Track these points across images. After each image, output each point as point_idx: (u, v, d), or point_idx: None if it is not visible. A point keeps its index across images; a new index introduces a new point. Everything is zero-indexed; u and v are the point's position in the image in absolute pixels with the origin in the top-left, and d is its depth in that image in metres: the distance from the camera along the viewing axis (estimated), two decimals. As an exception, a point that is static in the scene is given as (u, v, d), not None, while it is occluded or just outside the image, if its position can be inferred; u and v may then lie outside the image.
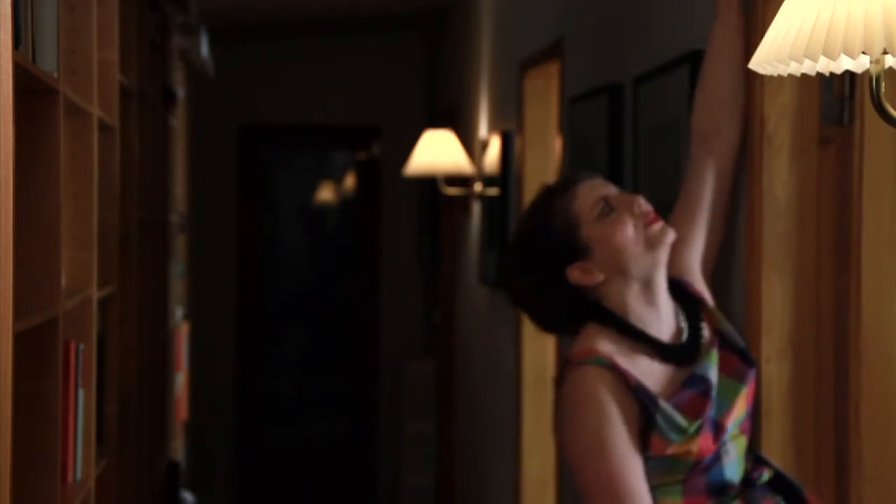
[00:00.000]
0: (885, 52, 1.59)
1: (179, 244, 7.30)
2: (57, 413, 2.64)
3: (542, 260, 2.72)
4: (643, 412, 2.57)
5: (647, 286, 2.68)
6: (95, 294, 3.17)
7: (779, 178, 2.89)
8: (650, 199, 3.74)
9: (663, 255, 2.69)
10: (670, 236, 2.70)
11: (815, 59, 1.63)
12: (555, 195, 2.74)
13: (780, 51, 1.66)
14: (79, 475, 2.91)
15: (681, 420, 2.58)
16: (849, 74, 2.35)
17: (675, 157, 3.47)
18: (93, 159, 3.13)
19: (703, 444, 2.58)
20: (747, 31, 2.98)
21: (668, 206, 3.54)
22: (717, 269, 3.26)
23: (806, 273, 2.86)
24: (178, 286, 7.11)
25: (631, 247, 2.66)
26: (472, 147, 7.16)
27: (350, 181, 10.45)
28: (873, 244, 2.59)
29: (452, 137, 6.95)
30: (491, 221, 6.44)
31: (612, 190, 2.73)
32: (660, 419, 2.56)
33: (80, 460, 2.92)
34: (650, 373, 2.63)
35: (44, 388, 2.61)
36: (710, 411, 2.60)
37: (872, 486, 2.61)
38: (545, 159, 5.55)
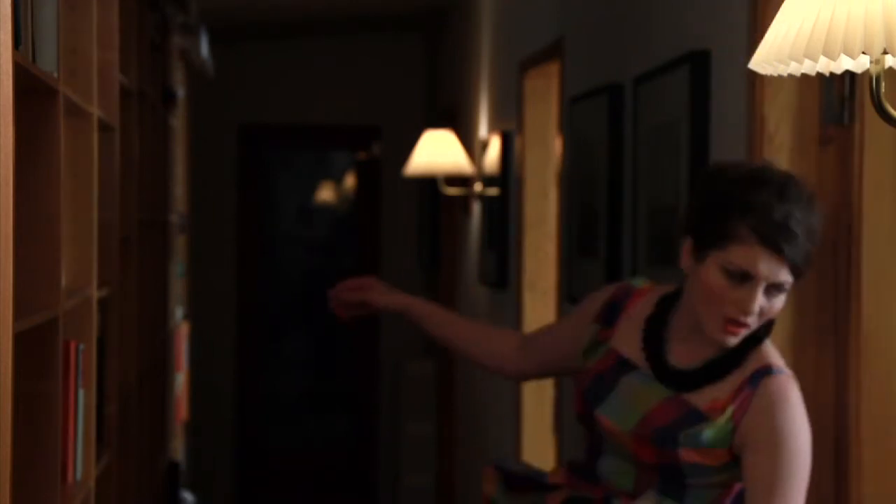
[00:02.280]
0: (885, 52, 1.59)
1: (179, 244, 7.30)
2: (57, 413, 2.64)
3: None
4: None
5: (695, 316, 2.58)
6: (95, 294, 3.17)
7: (779, 178, 2.88)
8: (650, 199, 3.75)
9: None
10: (720, 341, 2.54)
11: (815, 59, 1.63)
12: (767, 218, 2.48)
13: (780, 51, 1.66)
14: (79, 475, 2.91)
15: (584, 343, 2.77)
16: (849, 74, 2.34)
17: (675, 157, 3.47)
18: (93, 159, 3.13)
19: (575, 392, 2.75)
20: (750, 31, 2.98)
21: (669, 208, 3.54)
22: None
23: (806, 273, 2.86)
24: (178, 286, 7.11)
25: (702, 309, 2.55)
26: (472, 147, 7.16)
27: (350, 181, 10.45)
28: (873, 244, 2.59)
29: (452, 137, 6.95)
30: (491, 221, 6.44)
31: (765, 274, 2.47)
32: (588, 329, 2.80)
33: (80, 460, 2.92)
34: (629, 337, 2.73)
35: (44, 388, 2.61)
36: (592, 384, 2.70)
37: (872, 486, 2.61)
38: (545, 159, 5.55)
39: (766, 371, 2.53)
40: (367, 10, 9.09)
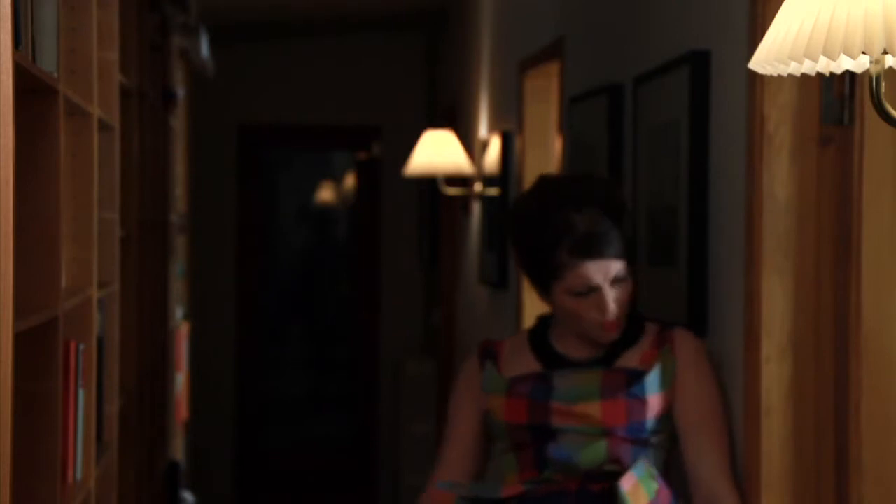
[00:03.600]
0: (885, 52, 1.59)
1: (179, 244, 7.30)
2: (57, 413, 2.64)
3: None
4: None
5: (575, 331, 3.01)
6: (95, 294, 3.17)
7: (779, 178, 2.89)
8: (651, 199, 3.75)
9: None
10: (604, 339, 2.95)
11: (815, 59, 1.63)
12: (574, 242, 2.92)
13: (780, 51, 1.66)
14: (79, 475, 2.91)
15: (493, 369, 3.00)
16: (849, 74, 2.35)
17: (675, 158, 3.47)
18: (93, 159, 3.13)
19: (510, 403, 2.93)
20: (750, 31, 2.98)
21: (669, 208, 3.54)
22: (717, 269, 3.26)
23: (806, 273, 2.86)
24: (178, 286, 7.11)
25: (583, 324, 2.95)
26: (472, 147, 7.16)
27: (350, 181, 10.45)
28: (873, 244, 2.59)
29: (452, 137, 6.95)
30: (491, 221, 6.44)
31: (603, 279, 2.91)
32: (485, 375, 3.03)
33: (80, 460, 2.92)
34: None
35: (44, 388, 2.61)
36: (533, 388, 2.91)
37: (872, 486, 2.61)
38: (545, 159, 5.55)
39: (671, 323, 3.04)
40: (367, 10, 9.09)
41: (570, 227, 2.87)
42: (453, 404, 3.11)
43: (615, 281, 2.90)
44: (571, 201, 2.90)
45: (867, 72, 1.67)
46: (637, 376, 2.90)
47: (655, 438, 2.92)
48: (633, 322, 3.01)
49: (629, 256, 2.93)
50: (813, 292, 2.83)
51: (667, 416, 2.92)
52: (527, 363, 2.99)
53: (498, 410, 2.95)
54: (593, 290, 2.89)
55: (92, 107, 3.13)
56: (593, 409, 2.87)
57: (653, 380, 2.91)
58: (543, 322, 3.08)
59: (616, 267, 2.90)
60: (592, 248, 2.88)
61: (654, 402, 2.90)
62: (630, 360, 2.96)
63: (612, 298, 2.90)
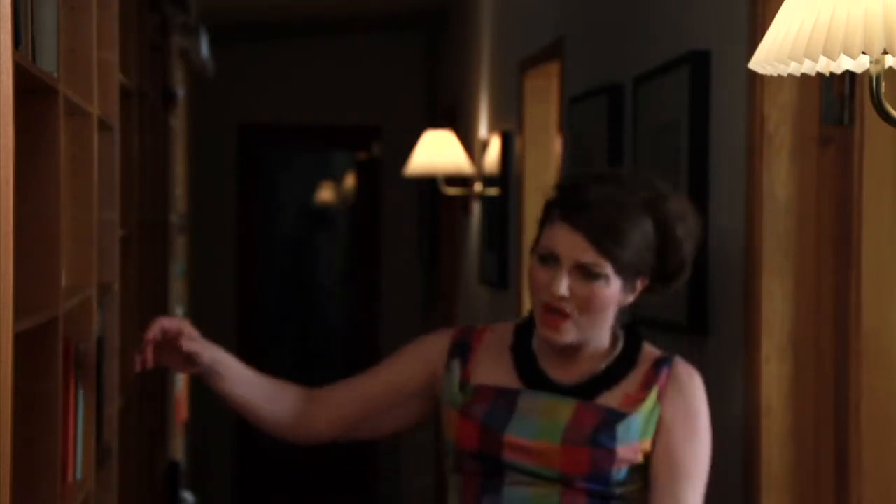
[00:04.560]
0: (885, 52, 1.59)
1: (179, 244, 7.30)
2: (57, 413, 2.64)
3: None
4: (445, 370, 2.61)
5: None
6: (95, 294, 3.17)
7: (779, 178, 2.89)
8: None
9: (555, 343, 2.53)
10: (545, 335, 2.51)
11: (815, 59, 1.63)
12: (561, 197, 2.54)
13: (780, 51, 1.66)
14: (79, 475, 2.91)
15: (455, 375, 2.57)
16: (849, 74, 2.35)
17: (675, 157, 3.47)
18: (93, 159, 3.13)
19: (462, 426, 2.52)
20: (750, 31, 2.98)
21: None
22: (717, 269, 3.26)
23: (806, 273, 2.86)
24: (178, 286, 7.11)
25: (533, 300, 2.55)
26: (472, 147, 7.16)
27: (350, 181, 10.45)
28: (873, 244, 2.59)
29: (452, 137, 6.95)
30: (491, 221, 6.44)
31: (566, 251, 2.47)
32: (445, 376, 2.60)
33: (80, 460, 2.92)
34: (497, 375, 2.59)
35: (44, 388, 2.61)
36: (490, 411, 2.51)
37: (872, 486, 2.61)
38: (545, 159, 5.55)
39: (669, 357, 2.56)
40: (367, 10, 9.09)
41: (576, 187, 2.50)
42: (404, 352, 2.67)
43: (585, 272, 2.45)
44: (602, 174, 2.58)
45: (867, 72, 1.67)
46: (612, 420, 2.48)
47: (622, 490, 2.50)
48: (628, 350, 2.57)
49: (613, 259, 2.46)
50: (813, 292, 2.83)
51: (641, 465, 2.51)
52: (503, 373, 2.57)
53: (450, 427, 2.55)
54: (553, 261, 2.47)
55: (92, 107, 3.13)
56: (552, 451, 2.47)
57: (629, 428, 2.48)
58: (525, 328, 2.64)
59: (589, 254, 2.45)
60: (571, 212, 2.47)
61: (625, 452, 2.47)
62: (615, 396, 2.52)
63: (565, 280, 2.45)
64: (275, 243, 10.38)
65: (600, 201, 2.46)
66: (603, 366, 2.54)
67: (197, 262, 9.08)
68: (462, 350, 2.60)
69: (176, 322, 2.62)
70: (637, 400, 2.50)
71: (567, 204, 2.48)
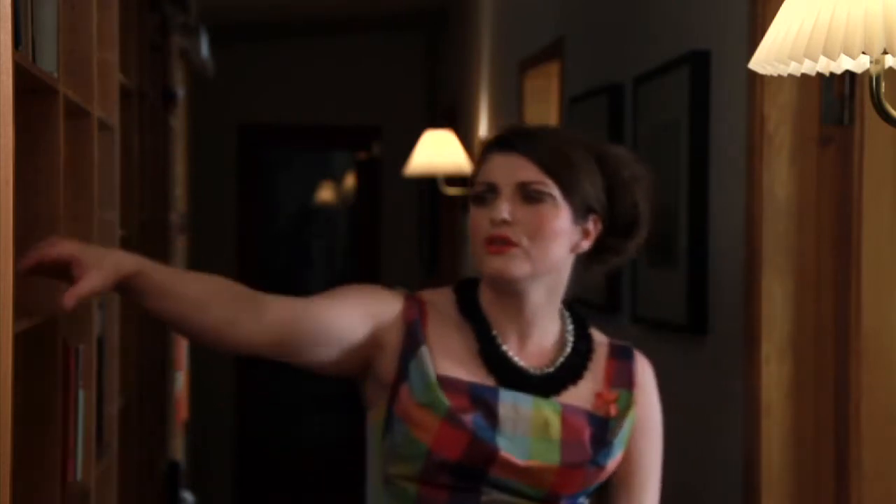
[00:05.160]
0: (885, 52, 1.59)
1: (179, 244, 7.29)
2: (57, 413, 2.64)
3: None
4: (402, 353, 2.24)
5: (499, 292, 2.27)
6: (95, 294, 3.17)
7: (779, 178, 2.89)
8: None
9: (497, 285, 2.25)
10: (492, 270, 2.23)
11: (815, 59, 1.63)
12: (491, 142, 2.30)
13: (780, 51, 1.66)
14: (79, 475, 2.91)
15: (430, 371, 2.20)
16: (849, 74, 2.35)
17: (675, 157, 3.47)
18: (93, 159, 3.13)
19: (445, 433, 2.18)
20: (750, 31, 2.98)
21: (669, 208, 3.54)
22: (717, 269, 3.26)
23: (806, 273, 2.86)
24: (178, 286, 7.09)
25: (476, 248, 2.27)
26: (472, 147, 7.16)
27: (350, 181, 10.45)
28: (873, 244, 2.59)
29: (452, 137, 6.95)
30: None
31: (505, 176, 2.23)
32: (413, 365, 2.22)
33: (80, 460, 2.92)
34: (457, 359, 2.25)
35: (44, 388, 2.61)
36: (477, 419, 2.19)
37: (872, 486, 2.61)
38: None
39: (627, 348, 2.33)
40: (367, 10, 9.09)
41: (511, 125, 2.31)
42: (352, 300, 2.27)
43: (528, 194, 2.20)
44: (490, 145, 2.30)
45: (867, 72, 1.67)
46: (604, 432, 2.24)
47: (588, 499, 2.31)
48: (579, 330, 2.32)
49: (555, 174, 2.21)
50: (813, 292, 2.83)
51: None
52: (464, 360, 2.24)
53: (424, 430, 2.19)
54: (491, 193, 2.22)
55: (92, 107, 3.13)
56: (549, 471, 2.20)
57: (621, 440, 2.27)
58: (471, 286, 2.33)
59: (529, 171, 2.20)
60: (508, 137, 2.24)
61: (612, 466, 2.27)
62: (586, 393, 2.26)
63: (507, 207, 2.20)
64: (275, 243, 10.38)
65: (541, 131, 2.27)
66: (567, 349, 2.27)
67: (197, 262, 9.08)
68: (419, 333, 2.25)
69: (60, 250, 2.16)
70: (609, 401, 2.26)
71: (503, 138, 2.25)
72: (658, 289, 3.65)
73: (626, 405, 2.28)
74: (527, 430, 2.21)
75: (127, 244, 4.24)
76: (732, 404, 3.08)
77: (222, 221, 9.80)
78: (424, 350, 2.23)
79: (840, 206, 2.67)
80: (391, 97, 9.80)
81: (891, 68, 1.71)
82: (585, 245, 2.27)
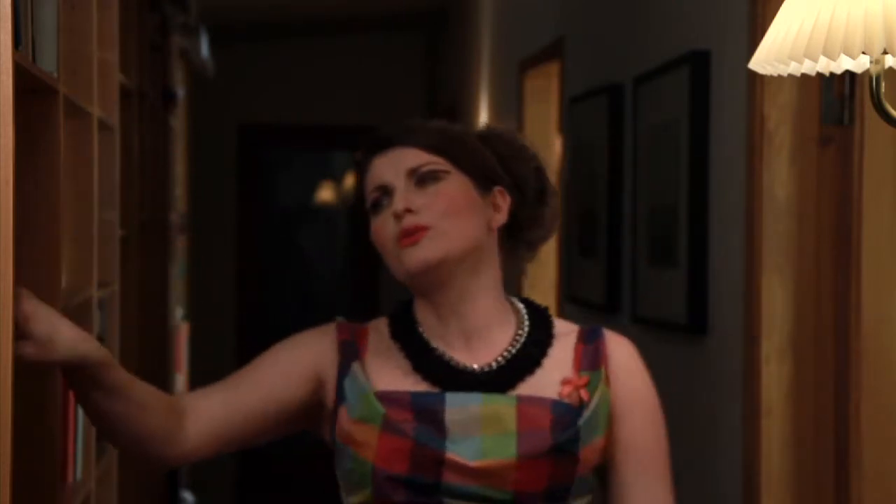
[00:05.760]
0: (885, 52, 1.60)
1: (179, 244, 7.30)
2: (57, 413, 2.64)
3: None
4: (338, 376, 2.14)
5: (428, 293, 2.15)
6: (95, 294, 3.17)
7: (779, 178, 2.89)
8: (650, 199, 3.74)
9: (424, 280, 2.12)
10: (413, 263, 2.10)
11: (815, 59, 1.63)
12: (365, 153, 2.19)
13: (780, 51, 1.66)
14: (79, 475, 2.91)
15: (364, 383, 2.10)
16: (849, 74, 2.35)
17: (675, 157, 3.47)
18: (93, 159, 3.13)
19: (385, 444, 2.06)
20: (750, 31, 2.98)
21: (669, 208, 3.54)
22: (717, 269, 3.26)
23: (806, 273, 2.86)
24: (178, 286, 7.11)
25: (389, 257, 2.16)
26: (472, 147, 7.15)
27: (350, 181, 10.44)
28: (873, 244, 2.59)
29: (452, 137, 6.94)
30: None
31: (391, 174, 2.12)
32: (347, 383, 2.12)
33: (80, 460, 2.92)
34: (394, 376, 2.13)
35: (44, 388, 2.61)
36: (420, 427, 2.06)
37: (872, 486, 2.61)
38: (545, 159, 5.54)
39: (597, 329, 2.16)
40: (367, 10, 9.09)
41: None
42: (279, 355, 2.19)
43: (421, 177, 2.10)
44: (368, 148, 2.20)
45: (867, 72, 1.67)
46: (568, 417, 2.06)
47: (578, 502, 2.10)
48: (535, 322, 2.16)
49: (442, 150, 2.11)
50: (813, 292, 2.83)
51: (596, 467, 2.12)
52: (402, 373, 2.12)
53: (365, 447, 2.07)
54: (386, 196, 2.12)
55: (92, 107, 3.13)
56: (506, 468, 2.03)
57: (590, 423, 2.08)
58: (404, 308, 2.22)
59: (414, 156, 2.10)
60: (378, 140, 2.14)
61: (588, 455, 2.07)
62: (548, 382, 2.09)
63: (404, 198, 2.09)
64: (275, 243, 10.38)
65: (412, 123, 2.17)
66: (520, 341, 2.12)
67: (197, 262, 9.08)
68: (352, 353, 2.15)
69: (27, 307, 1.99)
70: (579, 386, 2.09)
71: (376, 139, 2.15)
72: (658, 288, 3.65)
73: (596, 386, 2.09)
74: (478, 430, 2.05)
75: (127, 244, 4.24)
76: (732, 404, 3.08)
77: (222, 221, 9.80)
78: (356, 365, 2.13)
79: (840, 206, 2.67)
80: (391, 97, 9.81)
81: (891, 68, 1.71)
82: (500, 218, 2.15)
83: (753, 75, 2.84)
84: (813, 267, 2.84)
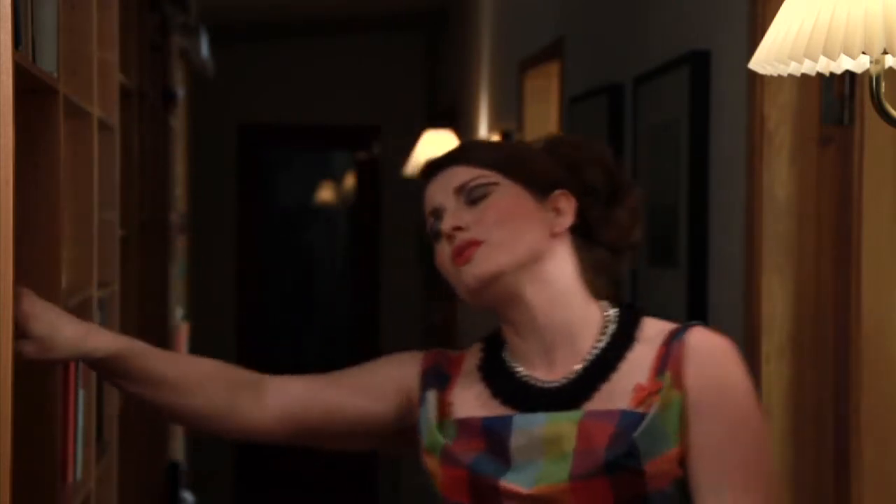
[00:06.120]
0: (885, 52, 1.60)
1: (179, 244, 7.30)
2: (57, 413, 2.64)
3: None
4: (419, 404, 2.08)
5: (503, 313, 2.08)
6: (95, 294, 3.17)
7: (779, 178, 2.89)
8: (651, 199, 3.74)
9: (488, 297, 2.05)
10: (470, 280, 2.01)
11: (815, 59, 1.63)
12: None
13: (780, 51, 1.66)
14: (79, 475, 2.91)
15: (431, 413, 2.04)
16: (849, 74, 2.35)
17: (675, 157, 3.47)
18: (93, 159, 3.13)
19: (446, 475, 2.01)
20: (750, 31, 2.98)
21: (669, 208, 3.54)
22: (717, 269, 3.26)
23: (806, 273, 2.86)
24: (178, 286, 7.11)
25: (452, 280, 2.06)
26: (472, 147, 7.15)
27: (350, 181, 10.45)
28: (873, 244, 2.59)
29: (452, 137, 6.95)
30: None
31: (442, 194, 2.07)
32: (421, 413, 2.07)
33: (80, 460, 2.92)
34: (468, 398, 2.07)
35: (44, 388, 2.61)
36: (480, 456, 1.99)
37: (872, 486, 2.61)
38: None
39: (685, 325, 2.02)
40: (367, 10, 9.09)
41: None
42: (373, 370, 2.18)
43: (470, 193, 2.02)
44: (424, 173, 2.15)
45: (867, 72, 1.67)
46: (628, 427, 1.92)
47: None
48: (621, 326, 2.04)
49: (491, 164, 2.04)
50: (813, 292, 2.83)
51: (676, 480, 1.93)
52: (483, 398, 2.04)
53: (434, 474, 2.03)
54: (439, 219, 2.05)
55: (92, 107, 3.13)
56: (559, 492, 1.92)
57: (654, 433, 1.91)
58: (492, 340, 2.14)
59: (462, 173, 2.04)
60: (434, 164, 2.10)
61: (659, 468, 1.91)
62: (622, 389, 1.96)
63: (454, 216, 2.01)
64: (275, 243, 10.38)
65: (467, 143, 2.14)
66: (599, 347, 2.01)
67: (197, 262, 9.08)
68: (437, 380, 2.08)
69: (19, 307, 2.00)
70: (651, 391, 1.94)
71: (429, 164, 2.12)
72: (658, 288, 3.65)
73: (666, 391, 1.93)
74: (540, 453, 1.95)
75: (127, 244, 4.24)
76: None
77: (222, 221, 9.81)
78: (430, 394, 2.06)
79: (840, 206, 2.67)
80: (391, 97, 9.81)
81: (891, 68, 1.71)
82: (565, 223, 2.03)
83: (753, 75, 2.84)
84: (813, 267, 2.84)
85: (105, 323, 3.56)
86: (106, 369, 2.06)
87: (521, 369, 2.03)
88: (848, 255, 2.62)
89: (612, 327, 2.03)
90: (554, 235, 2.03)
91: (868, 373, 2.60)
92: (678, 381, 1.94)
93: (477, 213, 2.01)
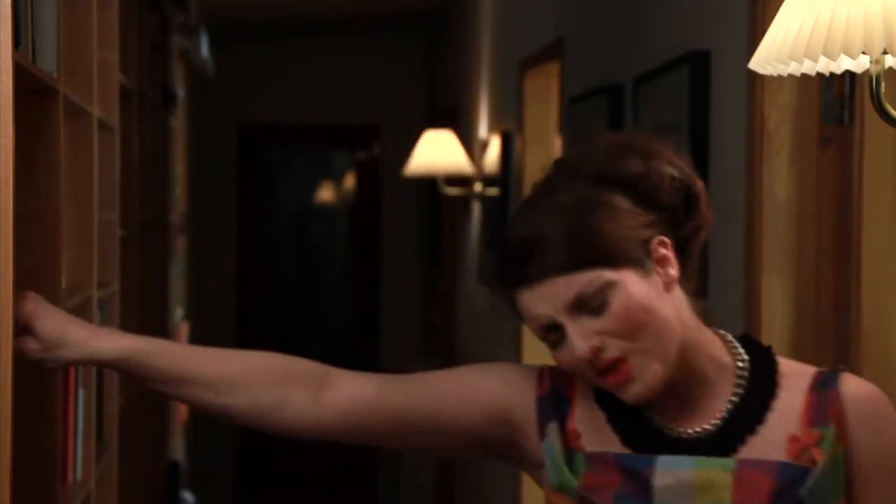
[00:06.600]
0: (885, 52, 1.59)
1: (179, 244, 7.30)
2: (57, 413, 2.64)
3: None
4: (539, 436, 1.91)
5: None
6: (95, 294, 3.17)
7: (779, 178, 2.89)
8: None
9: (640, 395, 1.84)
10: (637, 399, 1.83)
11: (815, 59, 1.63)
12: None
13: (780, 51, 1.66)
14: (79, 475, 2.91)
15: (557, 450, 1.88)
16: (849, 74, 2.35)
17: (675, 157, 3.47)
18: (93, 159, 3.13)
19: None
20: (750, 31, 2.98)
21: (668, 206, 3.54)
22: (717, 269, 3.26)
23: (806, 273, 2.86)
24: (178, 286, 7.11)
25: (586, 375, 1.86)
26: (472, 147, 7.16)
27: (350, 181, 10.45)
28: (873, 244, 2.59)
29: (452, 137, 6.96)
30: (491, 221, 6.44)
31: (550, 311, 1.82)
32: (545, 447, 1.89)
33: (80, 460, 2.92)
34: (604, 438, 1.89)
35: (44, 388, 2.61)
36: (621, 493, 1.83)
37: (872, 486, 2.61)
38: (545, 159, 5.54)
39: (832, 372, 1.90)
40: (367, 10, 9.09)
41: (503, 241, 1.90)
42: (465, 369, 1.98)
43: (587, 304, 1.80)
44: (531, 197, 1.91)
45: (867, 72, 1.67)
46: (793, 482, 1.80)
47: None
48: (757, 364, 1.92)
49: (605, 258, 1.80)
50: (813, 292, 2.83)
51: None
52: (605, 434, 1.88)
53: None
54: (553, 330, 1.83)
55: (92, 107, 3.13)
56: None
57: (819, 490, 1.80)
58: None
59: (564, 286, 1.80)
60: (513, 272, 1.86)
61: None
62: (774, 440, 1.83)
63: (580, 338, 1.80)
64: (275, 243, 10.38)
65: (523, 229, 1.85)
66: (739, 394, 1.86)
67: (197, 262, 9.09)
68: (557, 406, 1.90)
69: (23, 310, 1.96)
70: (809, 444, 1.82)
71: (511, 270, 1.86)
72: (658, 289, 3.65)
73: (830, 446, 1.81)
74: (689, 498, 1.81)
75: (127, 244, 4.24)
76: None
77: (222, 221, 9.81)
78: (552, 427, 1.88)
79: (840, 206, 2.67)
80: (391, 97, 9.81)
81: (891, 68, 1.71)
82: (673, 272, 1.85)
83: (753, 75, 2.84)
84: (813, 267, 2.84)
85: (105, 323, 3.56)
86: (121, 371, 2.01)
87: (656, 418, 1.87)
88: (848, 255, 2.62)
89: (743, 366, 1.90)
90: (670, 289, 1.85)
91: (868, 373, 2.60)
92: (843, 438, 1.83)
93: (604, 322, 1.80)
